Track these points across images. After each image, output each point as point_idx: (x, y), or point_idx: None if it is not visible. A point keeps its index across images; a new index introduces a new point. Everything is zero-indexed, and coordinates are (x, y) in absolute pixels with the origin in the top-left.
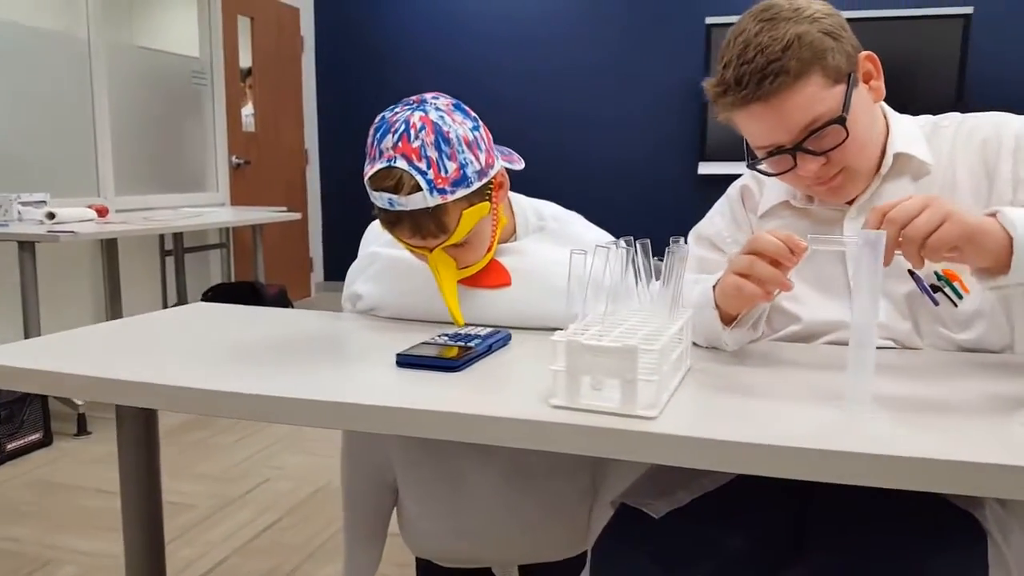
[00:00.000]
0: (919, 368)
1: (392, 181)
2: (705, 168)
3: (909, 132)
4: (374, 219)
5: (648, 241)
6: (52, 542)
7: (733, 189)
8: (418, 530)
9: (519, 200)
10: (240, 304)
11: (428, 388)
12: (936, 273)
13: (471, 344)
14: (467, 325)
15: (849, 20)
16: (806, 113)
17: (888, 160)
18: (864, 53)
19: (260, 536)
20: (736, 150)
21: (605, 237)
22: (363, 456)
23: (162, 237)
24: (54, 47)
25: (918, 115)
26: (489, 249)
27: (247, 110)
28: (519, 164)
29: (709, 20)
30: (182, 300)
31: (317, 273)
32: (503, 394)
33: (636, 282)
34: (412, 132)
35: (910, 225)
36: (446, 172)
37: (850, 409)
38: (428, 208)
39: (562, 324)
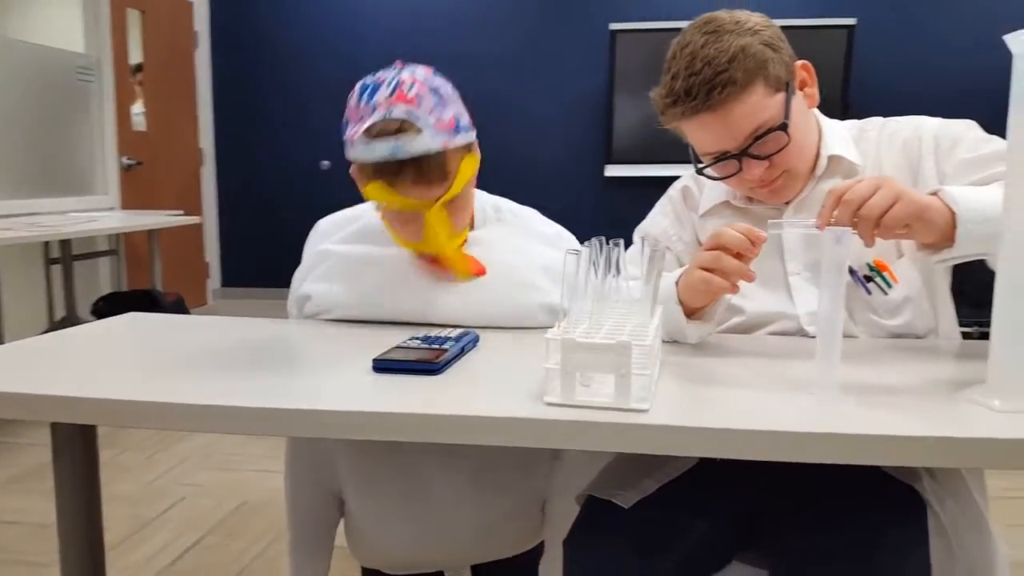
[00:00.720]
0: (863, 355)
1: (394, 127)
2: (611, 171)
3: (839, 136)
4: (318, 222)
5: (621, 241)
6: None
7: (674, 190)
8: (370, 540)
9: (477, 193)
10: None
11: (413, 392)
12: (868, 264)
13: (445, 346)
14: (433, 327)
15: None
16: (751, 121)
17: (823, 162)
18: (799, 62)
19: (184, 557)
20: (640, 153)
21: (565, 233)
22: (309, 468)
23: (46, 244)
24: None
25: None
26: (471, 218)
27: (137, 108)
28: None
29: (613, 26)
30: (71, 311)
31: (214, 279)
32: (492, 394)
33: (615, 281)
34: (405, 86)
35: (865, 206)
36: (444, 119)
37: (820, 394)
38: (431, 152)
39: (533, 315)
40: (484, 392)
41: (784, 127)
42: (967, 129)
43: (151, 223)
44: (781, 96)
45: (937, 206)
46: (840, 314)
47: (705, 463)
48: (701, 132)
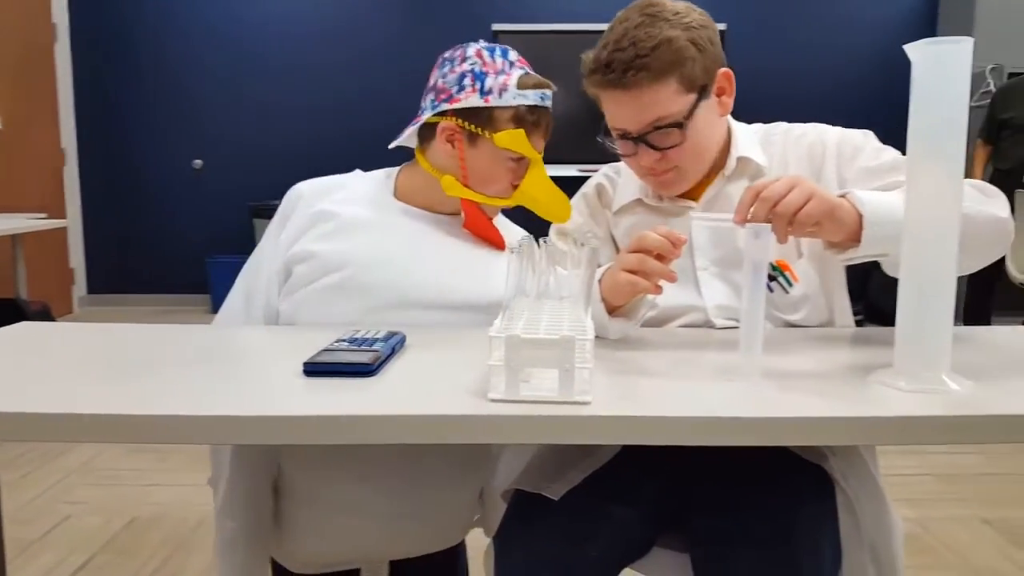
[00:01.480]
0: (777, 344)
1: (544, 81)
2: None
3: (747, 139)
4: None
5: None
6: None
7: (588, 187)
8: (298, 529)
9: None
10: None
11: (350, 394)
12: (771, 264)
13: (375, 347)
14: (358, 330)
15: (601, 32)
16: (654, 111)
17: (732, 163)
18: (723, 70)
19: None
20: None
21: (520, 231)
22: (255, 465)
23: None
24: None
25: None
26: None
27: None
28: None
29: (496, 27)
30: None
31: (80, 286)
32: (432, 393)
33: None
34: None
35: (781, 203)
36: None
37: (744, 381)
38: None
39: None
40: (423, 391)
41: (681, 126)
42: (866, 139)
43: (12, 227)
44: (692, 97)
45: (846, 207)
46: (761, 305)
47: (628, 451)
48: (611, 106)
